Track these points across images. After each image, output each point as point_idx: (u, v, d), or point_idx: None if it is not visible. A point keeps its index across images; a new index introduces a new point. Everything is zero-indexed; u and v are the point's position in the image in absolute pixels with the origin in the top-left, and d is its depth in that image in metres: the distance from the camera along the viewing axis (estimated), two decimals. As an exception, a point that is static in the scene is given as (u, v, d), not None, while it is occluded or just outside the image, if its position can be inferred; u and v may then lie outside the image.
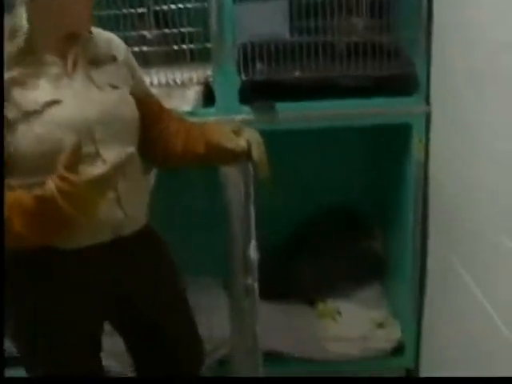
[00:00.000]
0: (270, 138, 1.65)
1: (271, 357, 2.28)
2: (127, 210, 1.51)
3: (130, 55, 1.63)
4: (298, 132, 2.08)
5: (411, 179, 2.10)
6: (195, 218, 2.32)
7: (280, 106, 2.02)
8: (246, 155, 1.63)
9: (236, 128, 1.66)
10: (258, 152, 1.62)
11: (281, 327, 2.31)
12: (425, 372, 2.27)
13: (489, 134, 1.52)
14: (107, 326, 2.23)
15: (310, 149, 2.51)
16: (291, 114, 2.03)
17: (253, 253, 1.66)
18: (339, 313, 2.40)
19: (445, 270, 1.95)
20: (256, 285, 1.72)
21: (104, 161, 1.44)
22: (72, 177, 1.29)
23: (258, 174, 1.63)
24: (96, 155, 1.44)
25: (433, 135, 2.04)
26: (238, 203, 1.94)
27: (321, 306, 2.41)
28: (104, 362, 2.20)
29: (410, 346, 2.30)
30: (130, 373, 2.13)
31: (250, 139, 1.62)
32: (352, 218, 2.52)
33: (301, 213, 2.55)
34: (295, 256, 2.48)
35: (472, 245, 1.68)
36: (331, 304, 2.44)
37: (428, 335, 2.21)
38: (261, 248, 2.09)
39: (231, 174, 1.90)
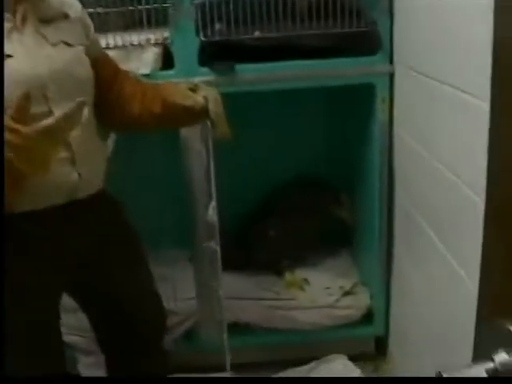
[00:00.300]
0: (231, 100, 1.63)
1: (238, 328, 2.28)
2: (82, 171, 1.48)
3: (85, 15, 1.60)
4: (260, 94, 2.05)
5: (376, 141, 2.09)
6: (156, 184, 2.28)
7: (240, 68, 2.00)
8: (204, 113, 1.60)
9: (193, 86, 1.65)
10: (215, 109, 1.59)
11: (247, 298, 2.29)
12: (394, 340, 2.27)
13: (450, 91, 1.52)
14: (70, 302, 2.21)
15: (272, 112, 2.49)
16: (252, 75, 2.00)
17: (213, 214, 1.64)
18: (307, 282, 2.39)
19: (412, 233, 1.94)
20: (218, 248, 1.70)
21: None
22: (20, 128, 1.25)
23: (216, 132, 1.61)
24: (49, 114, 1.40)
25: (396, 95, 2.03)
26: (197, 163, 1.92)
27: (288, 275, 2.40)
28: (69, 339, 2.19)
29: (379, 313, 2.30)
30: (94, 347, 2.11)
31: (207, 96, 1.60)
32: (318, 185, 2.50)
33: (266, 182, 2.53)
34: (261, 226, 2.46)
35: (436, 201, 1.67)
36: (299, 273, 2.43)
37: (397, 301, 2.20)
38: (226, 218, 2.09)
39: (190, 135, 1.87)
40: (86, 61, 1.54)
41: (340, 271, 2.46)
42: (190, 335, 2.28)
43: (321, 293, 2.33)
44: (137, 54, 1.98)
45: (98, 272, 1.64)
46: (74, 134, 1.45)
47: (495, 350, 0.69)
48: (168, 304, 2.12)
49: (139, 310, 1.73)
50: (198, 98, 1.60)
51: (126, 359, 1.79)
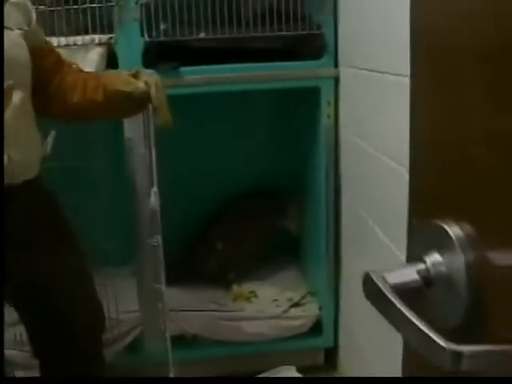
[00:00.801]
0: (175, 103, 1.64)
1: (184, 340, 2.25)
2: (12, 153, 1.46)
3: (28, 2, 1.61)
4: (204, 97, 2.08)
5: (322, 144, 2.12)
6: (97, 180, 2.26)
7: (185, 70, 2.02)
8: (146, 99, 1.62)
9: (134, 72, 1.67)
10: (157, 94, 1.61)
11: (194, 309, 2.26)
12: (344, 351, 2.26)
13: (390, 79, 1.56)
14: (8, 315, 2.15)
15: (218, 116, 2.51)
16: (197, 77, 2.02)
17: (154, 200, 1.63)
18: (255, 294, 2.38)
19: (360, 235, 1.96)
20: (160, 239, 1.68)
21: None
22: None
23: (157, 118, 1.62)
24: None
25: (342, 98, 2.08)
26: (138, 149, 1.92)
27: (235, 288, 2.38)
28: (7, 353, 2.12)
29: (328, 324, 2.29)
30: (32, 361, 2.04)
31: (148, 81, 1.62)
32: (267, 196, 2.50)
33: (213, 192, 2.52)
34: (208, 238, 2.44)
35: (384, 196, 1.70)
36: (246, 286, 2.41)
37: (346, 311, 2.20)
38: (173, 230, 2.08)
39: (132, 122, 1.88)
40: (24, 46, 1.54)
41: (288, 283, 2.46)
42: (133, 347, 2.22)
43: (269, 304, 2.32)
44: (81, 54, 1.99)
45: (28, 266, 1.60)
46: (6, 116, 1.44)
47: (428, 251, 0.70)
48: (109, 316, 2.09)
49: (75, 308, 1.69)
50: (140, 84, 1.62)
51: (61, 362, 1.74)
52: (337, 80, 2.07)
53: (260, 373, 2.19)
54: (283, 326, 2.25)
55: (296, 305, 2.31)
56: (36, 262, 1.61)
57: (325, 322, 2.29)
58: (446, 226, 0.69)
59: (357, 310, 2.06)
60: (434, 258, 0.70)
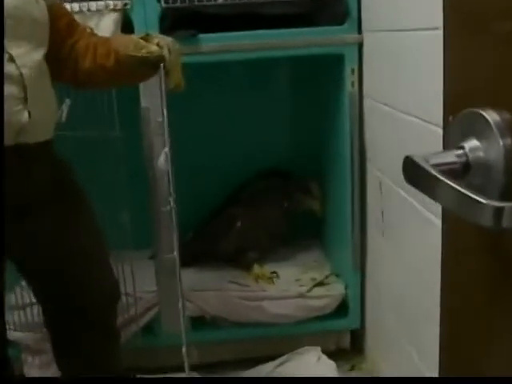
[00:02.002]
0: (193, 71, 1.66)
1: (203, 321, 2.26)
2: (32, 111, 1.50)
3: None
4: (222, 66, 2.10)
5: (346, 114, 2.12)
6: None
7: (202, 37, 2.03)
8: (160, 62, 1.62)
9: (144, 35, 1.66)
10: (171, 57, 1.62)
11: (213, 290, 2.27)
12: (371, 334, 2.26)
13: (418, 58, 1.57)
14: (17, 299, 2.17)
15: (236, 87, 2.53)
16: (215, 45, 2.03)
17: (164, 160, 1.65)
18: (277, 275, 2.39)
19: (388, 207, 1.96)
20: (173, 202, 1.70)
21: (11, 57, 1.45)
22: None
23: (169, 81, 1.63)
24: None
25: (366, 65, 2.09)
26: (154, 118, 1.95)
27: (256, 268, 2.39)
28: (14, 336, 2.14)
29: (354, 305, 2.28)
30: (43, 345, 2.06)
31: (161, 44, 1.62)
32: (287, 173, 2.51)
33: (230, 170, 2.54)
34: (226, 217, 2.46)
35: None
36: (268, 267, 2.42)
37: (373, 291, 2.20)
38: (189, 211, 2.10)
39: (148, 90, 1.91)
40: (43, 4, 1.57)
41: (311, 263, 2.47)
42: (150, 328, 2.24)
43: (291, 284, 2.32)
44: (95, 20, 2.02)
45: (41, 229, 1.62)
46: (28, 74, 1.48)
47: (466, 138, 0.72)
48: (126, 297, 2.11)
49: (87, 274, 1.71)
50: (153, 47, 1.61)
51: (73, 334, 1.75)
52: (360, 46, 2.08)
53: (282, 356, 2.20)
54: (307, 306, 2.26)
55: (320, 284, 2.32)
56: (47, 224, 1.63)
57: (350, 302, 2.29)
58: (484, 113, 0.71)
59: (385, 289, 2.06)
60: (472, 144, 0.72)
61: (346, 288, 2.31)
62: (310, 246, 2.60)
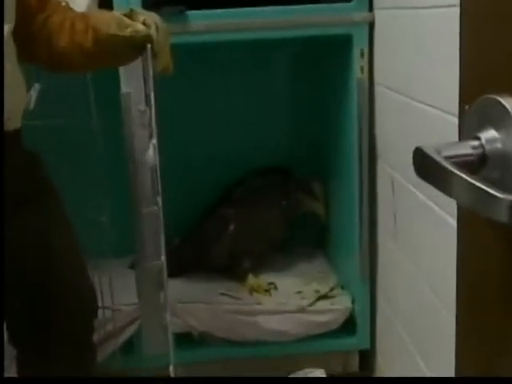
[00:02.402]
0: (180, 53, 1.65)
1: (191, 338, 2.29)
2: None
3: None
4: (215, 48, 2.12)
5: (353, 106, 2.12)
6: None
7: (192, 14, 2.03)
8: (146, 43, 1.63)
9: (127, 11, 1.65)
10: (159, 37, 1.63)
11: (202, 303, 2.30)
12: (382, 354, 2.29)
13: (436, 39, 1.59)
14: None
15: (229, 72, 2.55)
16: (205, 23, 2.04)
17: (152, 153, 1.68)
18: (274, 286, 2.41)
19: (401, 206, 1.98)
20: (160, 201, 1.73)
21: None
22: None
23: (157, 64, 1.63)
24: None
25: (377, 48, 2.10)
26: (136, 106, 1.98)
27: (251, 279, 2.40)
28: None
29: (362, 321, 2.29)
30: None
31: (147, 22, 1.61)
32: (287, 171, 2.53)
33: (222, 166, 2.58)
34: (218, 219, 2.48)
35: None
36: (264, 277, 2.44)
37: (384, 307, 2.21)
38: (176, 213, 2.12)
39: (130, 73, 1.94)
40: None
41: (314, 274, 2.49)
42: (130, 346, 2.26)
43: (291, 296, 2.33)
44: (70, -7, 2.05)
45: (7, 233, 1.62)
46: None
47: (482, 128, 0.75)
48: (103, 310, 2.14)
49: (60, 284, 1.72)
50: (139, 26, 1.60)
51: (42, 351, 1.76)
52: (371, 26, 2.07)
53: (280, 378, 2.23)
54: (309, 322, 2.27)
55: (324, 297, 2.33)
56: (12, 227, 1.58)
57: (359, 317, 2.28)
58: (502, 100, 0.74)
59: (398, 303, 2.05)
60: (489, 134, 0.75)
61: (353, 302, 2.31)
62: (313, 254, 2.63)
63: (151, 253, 2.00)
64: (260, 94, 2.62)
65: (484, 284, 0.82)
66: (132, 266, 2.31)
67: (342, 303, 2.33)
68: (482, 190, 0.67)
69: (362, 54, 2.12)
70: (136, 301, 2.19)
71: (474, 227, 0.81)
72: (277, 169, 2.56)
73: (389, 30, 1.99)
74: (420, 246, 1.83)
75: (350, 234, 2.28)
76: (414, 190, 1.81)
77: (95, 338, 1.94)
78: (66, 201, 1.77)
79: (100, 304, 2.03)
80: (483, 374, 0.83)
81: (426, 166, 0.75)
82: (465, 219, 0.86)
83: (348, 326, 2.33)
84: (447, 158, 0.74)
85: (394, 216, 2.03)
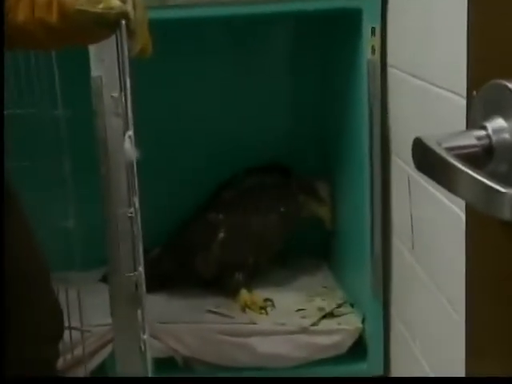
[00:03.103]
0: (160, 31, 1.68)
1: (173, 364, 2.33)
2: None
3: None
4: (200, 25, 2.15)
5: (363, 92, 2.16)
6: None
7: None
8: (123, 20, 1.68)
9: None
10: (136, 14, 1.68)
11: (187, 322, 2.35)
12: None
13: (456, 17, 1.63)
14: None
15: (217, 52, 2.59)
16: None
17: (129, 147, 1.72)
18: (272, 303, 2.46)
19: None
20: (137, 202, 1.78)
21: None
22: None
23: (133, 45, 1.64)
24: None
25: (390, 24, 2.12)
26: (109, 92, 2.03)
27: (244, 294, 2.45)
28: None
29: (374, 344, 2.33)
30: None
31: None
32: (285, 171, 2.58)
33: (209, 164, 2.63)
34: (205, 226, 2.54)
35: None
36: (259, 292, 2.49)
37: (400, 327, 2.25)
38: (158, 219, 2.15)
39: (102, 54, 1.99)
40: None
41: (317, 289, 2.54)
42: (101, 375, 2.29)
43: (291, 315, 2.38)
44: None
45: None
46: None
47: (489, 117, 0.81)
48: (70, 331, 2.18)
49: (20, 304, 1.76)
50: (113, 1, 1.60)
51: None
52: (384, 0, 2.11)
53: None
54: (312, 345, 2.31)
55: (329, 316, 2.38)
56: None
57: (370, 339, 2.33)
58: (511, 86, 0.81)
59: (416, 322, 2.09)
60: (496, 123, 0.81)
61: (363, 321, 2.35)
62: (316, 266, 2.69)
63: (126, 263, 2.05)
64: (255, 78, 2.66)
65: (494, 284, 0.88)
66: (104, 279, 2.34)
67: (350, 323, 2.37)
68: (484, 184, 0.72)
69: (373, 32, 2.14)
70: (109, 320, 2.21)
71: (484, 225, 0.87)
72: (274, 166, 2.60)
73: (404, 4, 2.03)
74: (441, 257, 1.85)
75: (359, 243, 2.32)
76: (434, 191, 1.83)
77: (60, 364, 2.00)
78: (27, 203, 1.80)
79: (66, 324, 2.06)
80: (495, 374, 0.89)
81: (426, 159, 0.80)
82: (474, 216, 0.92)
83: (358, 349, 2.36)
84: (449, 149, 0.79)
85: (411, 221, 2.06)
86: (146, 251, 1.98)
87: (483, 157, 0.80)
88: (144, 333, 1.90)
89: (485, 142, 0.79)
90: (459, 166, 0.74)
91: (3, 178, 1.46)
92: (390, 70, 2.16)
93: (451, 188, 0.77)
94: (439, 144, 0.78)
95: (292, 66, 2.70)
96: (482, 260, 0.89)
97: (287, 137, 2.72)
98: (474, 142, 0.80)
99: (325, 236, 2.67)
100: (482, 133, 0.80)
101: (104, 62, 2.04)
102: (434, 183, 1.78)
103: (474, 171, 0.73)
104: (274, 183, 2.57)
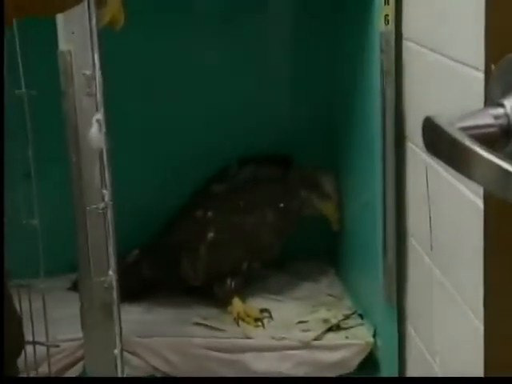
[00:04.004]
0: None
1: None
2: None
3: None
4: None
5: (375, 68, 2.17)
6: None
7: None
8: None
9: None
10: None
11: (170, 336, 2.36)
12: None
13: None
14: None
15: (206, 24, 2.63)
16: None
17: (97, 132, 1.73)
18: (269, 314, 2.47)
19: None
20: (109, 196, 1.79)
21: None
22: None
23: (104, 14, 1.68)
24: None
25: None
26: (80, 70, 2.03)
27: (237, 304, 2.46)
28: None
29: (388, 361, 2.34)
30: None
31: None
32: (285, 161, 2.60)
33: (196, 154, 2.64)
34: (192, 225, 2.56)
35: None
36: (254, 302, 2.52)
37: (418, 341, 2.26)
38: (137, 217, 2.15)
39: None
40: None
41: (322, 297, 2.55)
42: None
43: (291, 328, 2.40)
44: None
45: None
46: None
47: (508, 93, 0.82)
48: (34, 346, 2.18)
49: None
50: None
51: None
52: None
53: None
54: (314, 362, 2.33)
55: (336, 328, 2.40)
56: None
57: (383, 355, 2.33)
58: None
59: (437, 335, 2.09)
60: (516, 100, 0.82)
61: (375, 334, 2.36)
62: (321, 271, 2.71)
63: (98, 267, 2.05)
64: (251, 53, 2.67)
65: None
66: (74, 287, 2.35)
67: (359, 337, 2.38)
68: (502, 167, 0.73)
69: (386, 1, 2.14)
70: (79, 334, 2.21)
71: (504, 213, 0.88)
72: (272, 156, 2.61)
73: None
74: (465, 261, 1.85)
75: (370, 244, 2.34)
76: (457, 183, 1.84)
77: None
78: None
79: (30, 338, 2.08)
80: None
81: (437, 140, 0.81)
82: (492, 205, 0.93)
83: (368, 366, 2.38)
84: (463, 129, 0.80)
85: (430, 218, 2.06)
86: (122, 254, 1.99)
87: (501, 137, 0.81)
88: (119, 348, 1.91)
89: (503, 121, 0.81)
90: (474, 147, 0.74)
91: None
92: (406, 44, 2.16)
93: (466, 172, 0.77)
94: (452, 124, 0.78)
95: (294, 39, 2.73)
96: (502, 254, 0.90)
97: (287, 121, 2.73)
98: (490, 121, 0.80)
99: (330, 237, 2.68)
100: (500, 111, 0.81)
101: (74, 35, 2.03)
102: (457, 173, 1.81)
103: (490, 153, 0.74)
104: (271, 176, 2.58)
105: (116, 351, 1.89)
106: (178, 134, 2.67)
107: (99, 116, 1.72)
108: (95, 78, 1.82)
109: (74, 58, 2.07)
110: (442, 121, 0.79)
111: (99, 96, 1.73)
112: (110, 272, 1.76)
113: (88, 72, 2.02)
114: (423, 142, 0.82)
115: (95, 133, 1.73)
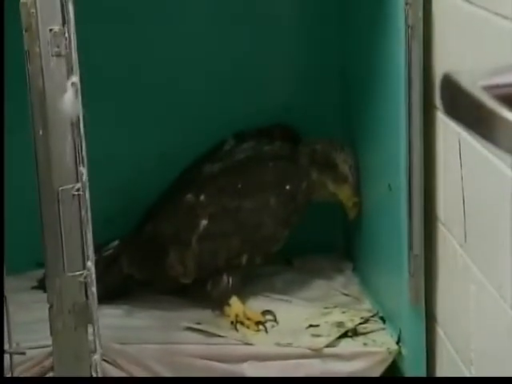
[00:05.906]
0: None
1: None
2: None
3: None
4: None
5: (399, 28, 2.18)
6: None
7: None
8: None
9: None
10: None
11: (157, 342, 2.38)
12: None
13: None
14: None
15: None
16: None
17: (72, 99, 1.74)
18: (273, 317, 2.48)
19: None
20: (85, 176, 1.79)
21: None
22: None
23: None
24: None
25: None
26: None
27: (235, 305, 2.47)
28: None
29: (415, 369, 2.35)
30: None
31: None
32: (292, 136, 2.62)
33: (189, 129, 2.67)
34: (182, 210, 2.55)
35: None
36: (255, 303, 2.53)
37: (449, 347, 2.27)
38: (116, 204, 2.15)
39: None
40: None
41: (336, 297, 2.56)
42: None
43: (300, 333, 2.41)
44: None
45: None
46: None
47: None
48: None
49: None
50: None
51: None
52: None
53: None
54: (328, 372, 2.33)
55: (352, 334, 2.41)
56: None
57: (409, 364, 2.35)
58: None
59: (469, 342, 2.11)
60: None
61: (399, 340, 2.37)
62: (335, 268, 2.72)
63: (71, 260, 2.05)
64: (253, 13, 2.71)
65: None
66: (40, 285, 2.37)
67: (380, 343, 2.40)
68: None
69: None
70: (48, 341, 2.23)
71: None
72: (276, 129, 2.63)
73: None
74: (505, 254, 1.85)
75: (394, 236, 2.35)
76: (494, 159, 1.85)
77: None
78: None
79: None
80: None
81: (456, 100, 0.80)
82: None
83: (391, 375, 2.39)
84: (487, 88, 0.79)
85: (464, 202, 2.06)
86: (100, 244, 1.99)
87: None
88: (96, 356, 1.91)
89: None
90: (498, 108, 0.74)
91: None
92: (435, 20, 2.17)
93: (491, 139, 0.77)
94: (475, 82, 0.78)
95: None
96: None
97: (295, 88, 2.73)
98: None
99: (346, 226, 2.68)
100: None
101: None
102: (496, 150, 1.81)
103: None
104: (274, 153, 2.58)
105: (96, 357, 1.89)
106: (165, 105, 2.70)
107: (75, 79, 1.71)
108: (65, 35, 1.81)
109: (39, 10, 2.07)
110: (463, 78, 0.78)
111: (74, 57, 1.72)
112: (89, 263, 1.75)
113: (56, 28, 2.02)
114: (441, 104, 0.81)
115: (70, 99, 1.73)
